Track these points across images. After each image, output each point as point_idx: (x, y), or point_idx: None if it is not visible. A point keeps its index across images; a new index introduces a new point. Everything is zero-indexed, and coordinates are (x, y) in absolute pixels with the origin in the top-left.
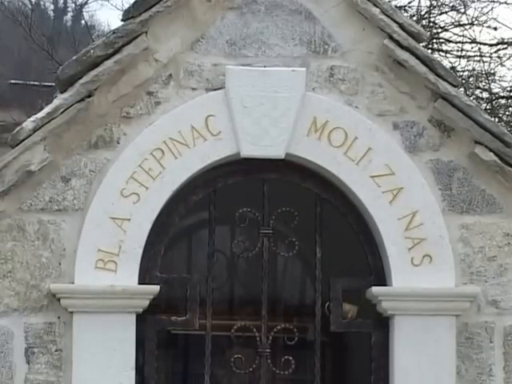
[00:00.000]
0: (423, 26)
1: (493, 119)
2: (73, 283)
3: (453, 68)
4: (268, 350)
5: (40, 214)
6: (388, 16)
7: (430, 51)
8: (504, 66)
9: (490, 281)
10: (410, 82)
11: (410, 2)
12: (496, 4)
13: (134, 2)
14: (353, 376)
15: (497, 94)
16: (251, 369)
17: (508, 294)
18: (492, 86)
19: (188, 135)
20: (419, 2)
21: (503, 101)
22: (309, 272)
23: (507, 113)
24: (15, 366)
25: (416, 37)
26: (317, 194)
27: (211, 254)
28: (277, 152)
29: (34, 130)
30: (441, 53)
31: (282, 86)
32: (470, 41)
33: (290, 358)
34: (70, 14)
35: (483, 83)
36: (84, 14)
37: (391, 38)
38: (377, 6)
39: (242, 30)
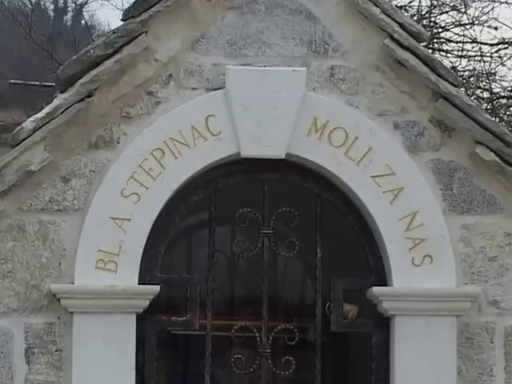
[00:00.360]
0: (424, 26)
1: (493, 119)
2: (73, 283)
3: (453, 68)
4: (268, 351)
5: (40, 214)
6: (388, 16)
7: (430, 51)
8: (505, 65)
9: (491, 281)
10: (410, 82)
11: (410, 2)
12: (497, 4)
13: (134, 2)
14: (353, 376)
15: (497, 93)
16: (251, 369)
17: (509, 295)
18: (493, 86)
19: (188, 135)
20: (420, 1)
21: (504, 100)
22: (309, 272)
23: (508, 112)
24: (15, 367)
25: (417, 36)
26: (317, 194)
27: (211, 254)
28: (277, 152)
29: (34, 130)
30: (441, 52)
31: (282, 86)
32: (470, 40)
33: (291, 358)
34: (70, 14)
35: (484, 83)
36: (84, 13)
37: (392, 37)
38: (377, 6)
39: (243, 30)
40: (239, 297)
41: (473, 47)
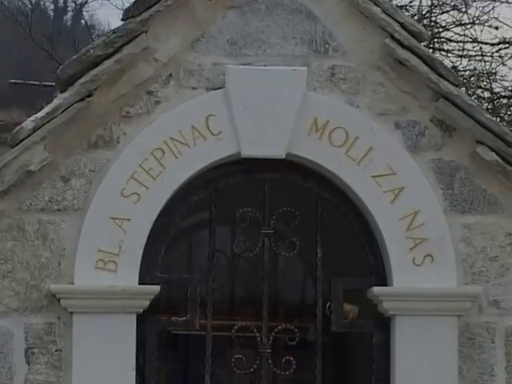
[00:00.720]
0: (424, 26)
1: (494, 119)
2: (73, 283)
3: (454, 67)
4: (269, 351)
5: (40, 214)
6: (389, 15)
7: (431, 50)
8: (505, 65)
9: (492, 281)
10: (411, 82)
11: (411, 2)
12: (497, 3)
13: (135, 2)
14: (354, 376)
15: (498, 93)
16: (252, 369)
17: (509, 294)
18: (493, 86)
19: (188, 135)
20: (420, 1)
21: (505, 100)
22: (310, 272)
23: (509, 112)
24: (15, 367)
25: (417, 36)
26: (318, 193)
27: (212, 254)
28: (277, 152)
29: (34, 130)
30: (442, 52)
31: (282, 86)
32: (471, 40)
33: (291, 358)
34: (69, 14)
35: (484, 83)
36: (84, 13)
37: (392, 37)
38: (378, 6)
39: (243, 29)
40: (239, 297)
41: (473, 47)
